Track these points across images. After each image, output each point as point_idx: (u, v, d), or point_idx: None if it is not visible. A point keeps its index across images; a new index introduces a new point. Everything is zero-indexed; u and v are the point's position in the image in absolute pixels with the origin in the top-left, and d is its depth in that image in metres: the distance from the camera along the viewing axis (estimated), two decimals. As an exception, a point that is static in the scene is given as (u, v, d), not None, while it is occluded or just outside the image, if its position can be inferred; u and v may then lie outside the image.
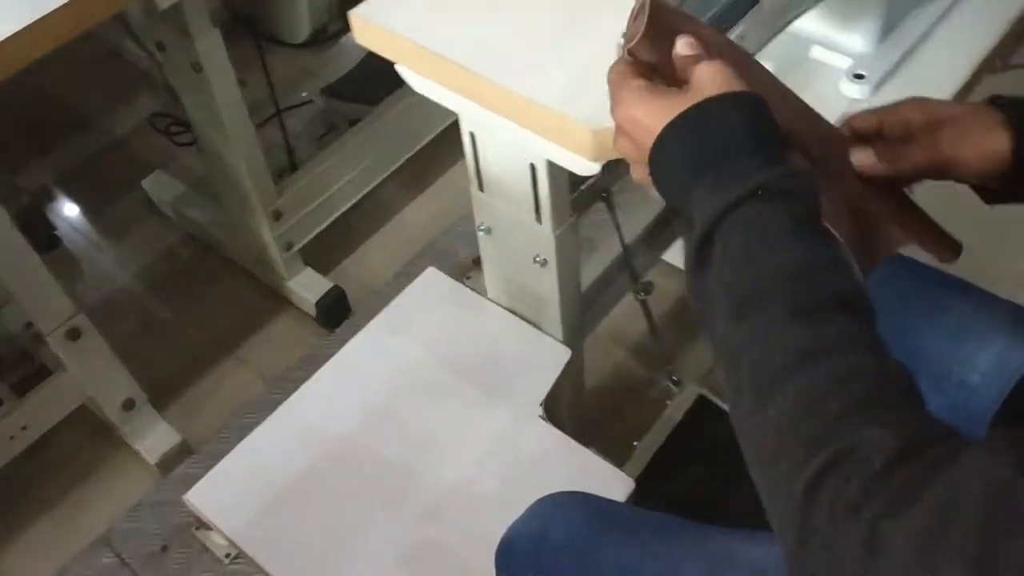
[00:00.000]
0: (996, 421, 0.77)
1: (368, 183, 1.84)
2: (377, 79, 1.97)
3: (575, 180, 1.07)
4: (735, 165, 0.58)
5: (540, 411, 1.15)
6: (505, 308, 1.24)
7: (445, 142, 1.93)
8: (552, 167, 1.01)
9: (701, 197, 0.58)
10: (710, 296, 0.57)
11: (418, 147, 1.89)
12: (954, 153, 0.66)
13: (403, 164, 1.89)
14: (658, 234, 1.50)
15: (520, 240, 1.13)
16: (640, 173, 0.65)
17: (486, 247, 1.20)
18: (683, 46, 0.63)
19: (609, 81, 0.66)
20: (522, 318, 1.23)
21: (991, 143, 0.65)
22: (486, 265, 1.24)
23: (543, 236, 1.09)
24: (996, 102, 0.67)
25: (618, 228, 1.29)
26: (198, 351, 1.77)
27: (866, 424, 0.47)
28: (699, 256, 0.58)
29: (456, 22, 0.99)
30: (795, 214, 0.56)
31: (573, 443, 1.12)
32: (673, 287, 1.70)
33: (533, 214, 1.07)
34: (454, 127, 1.92)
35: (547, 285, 1.15)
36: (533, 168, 1.02)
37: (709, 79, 0.60)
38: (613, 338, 1.67)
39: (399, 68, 1.04)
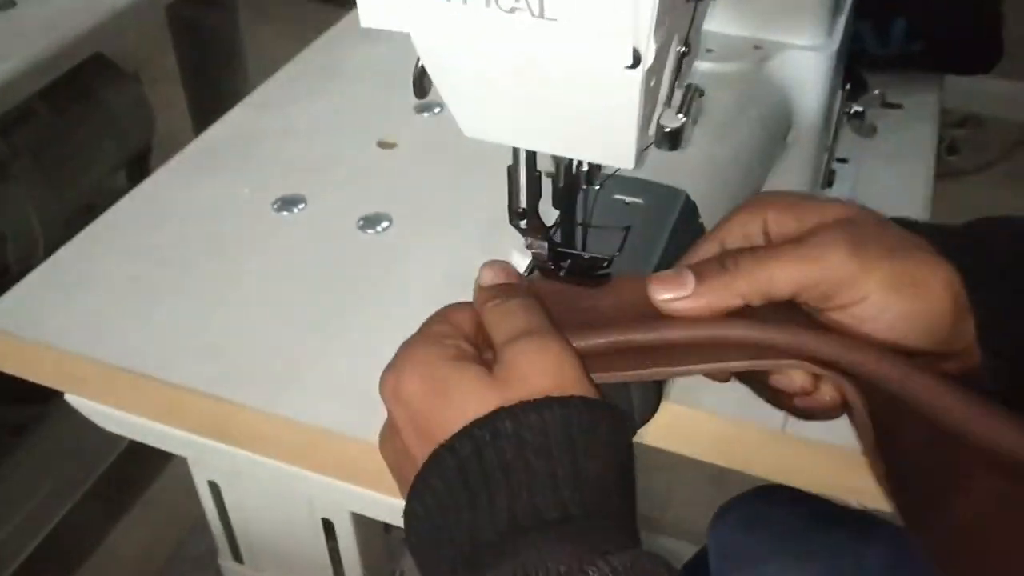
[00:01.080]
0: None
1: (57, 511, 1.38)
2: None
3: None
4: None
5: None
6: None
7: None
8: (360, 522, 0.63)
9: None
10: None
11: (113, 455, 1.45)
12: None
13: (97, 480, 1.44)
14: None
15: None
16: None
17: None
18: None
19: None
20: None
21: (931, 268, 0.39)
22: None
23: (352, 615, 0.70)
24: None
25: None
26: None
27: None
28: None
29: (156, 329, 0.61)
30: None
31: None
32: None
33: (332, 588, 0.68)
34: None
35: None
36: (328, 525, 0.63)
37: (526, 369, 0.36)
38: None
39: (72, 399, 0.64)
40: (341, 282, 0.64)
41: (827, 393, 0.39)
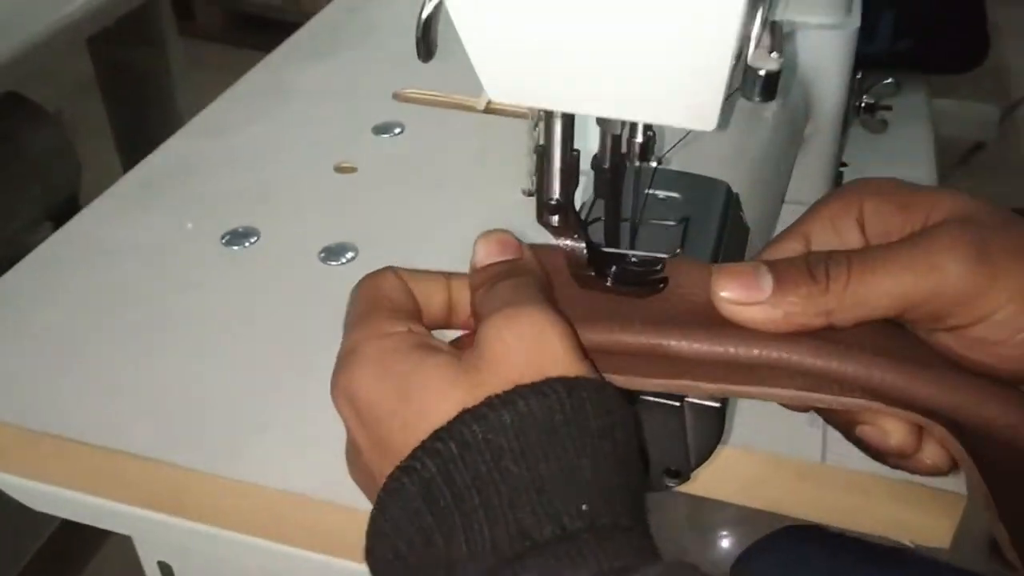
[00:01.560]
0: None
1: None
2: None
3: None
4: None
5: None
6: None
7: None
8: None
9: None
10: None
11: (44, 536, 1.32)
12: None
13: (26, 566, 1.30)
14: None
15: None
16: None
17: None
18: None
19: None
20: None
21: None
22: None
23: None
24: None
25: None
26: None
27: None
28: None
29: (85, 386, 0.52)
30: None
31: None
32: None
33: None
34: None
35: None
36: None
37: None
38: None
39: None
40: (305, 321, 0.56)
41: (930, 455, 0.31)
